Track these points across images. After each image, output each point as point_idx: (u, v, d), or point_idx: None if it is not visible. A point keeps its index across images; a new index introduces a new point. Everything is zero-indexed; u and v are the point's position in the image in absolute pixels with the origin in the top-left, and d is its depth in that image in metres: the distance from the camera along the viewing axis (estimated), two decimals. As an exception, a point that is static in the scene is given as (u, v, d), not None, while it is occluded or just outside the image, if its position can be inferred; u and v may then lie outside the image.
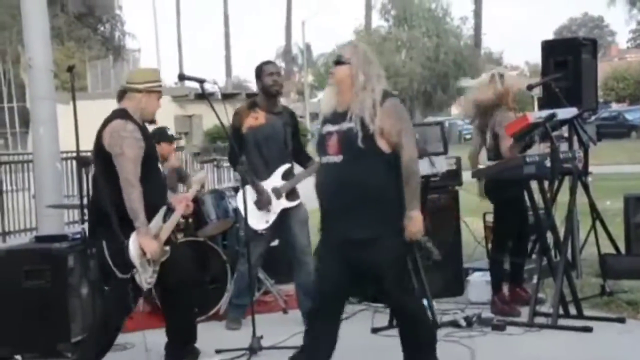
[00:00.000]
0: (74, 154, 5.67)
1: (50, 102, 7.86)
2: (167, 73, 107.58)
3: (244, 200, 6.11)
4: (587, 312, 6.43)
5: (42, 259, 5.96)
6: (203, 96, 5.93)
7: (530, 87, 7.69)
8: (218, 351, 5.82)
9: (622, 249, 7.71)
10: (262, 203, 6.44)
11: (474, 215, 8.41)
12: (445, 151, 6.78)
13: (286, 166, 6.58)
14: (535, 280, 6.49)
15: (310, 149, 6.71)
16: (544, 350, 5.82)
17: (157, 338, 5.76)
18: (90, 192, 5.49)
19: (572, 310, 6.37)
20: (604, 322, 6.26)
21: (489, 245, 8.38)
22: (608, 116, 39.75)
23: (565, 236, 6.61)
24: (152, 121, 5.45)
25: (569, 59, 7.75)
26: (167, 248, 5.19)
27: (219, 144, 20.67)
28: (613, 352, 5.73)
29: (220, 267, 6.99)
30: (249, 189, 6.39)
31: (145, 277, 5.08)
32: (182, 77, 6.73)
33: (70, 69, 6.03)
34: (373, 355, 5.79)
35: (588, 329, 6.04)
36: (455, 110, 61.23)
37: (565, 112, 6.72)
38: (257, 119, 6.59)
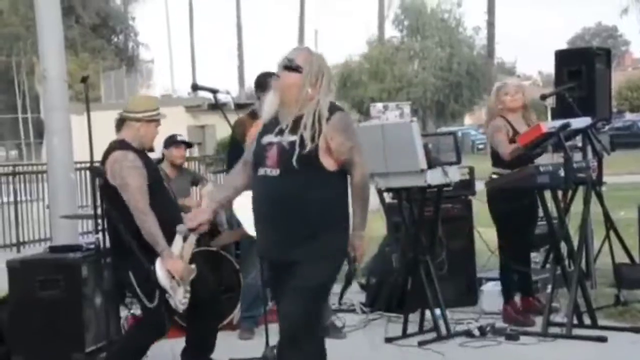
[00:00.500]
0: (88, 164, 5.68)
1: (64, 112, 7.89)
2: (180, 83, 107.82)
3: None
4: (601, 322, 6.41)
5: (56, 269, 5.98)
6: (216, 106, 5.93)
7: (543, 97, 7.70)
8: (231, 361, 5.82)
9: (637, 259, 7.69)
10: None
11: (488, 225, 8.36)
12: (459, 161, 6.78)
13: None
14: (549, 290, 6.47)
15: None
16: (558, 360, 5.81)
17: (174, 346, 5.76)
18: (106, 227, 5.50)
19: (587, 320, 6.34)
20: (618, 332, 6.23)
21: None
22: (622, 126, 39.58)
23: (579, 246, 6.60)
24: (151, 149, 5.47)
25: (583, 68, 7.75)
26: (194, 266, 5.20)
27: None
28: (628, 362, 5.71)
29: (234, 277, 6.99)
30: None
31: (179, 299, 5.07)
32: (195, 87, 6.75)
33: (84, 79, 6.06)
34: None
35: (602, 339, 6.02)
36: (468, 120, 61.13)
37: (579, 122, 6.70)
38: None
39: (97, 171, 5.58)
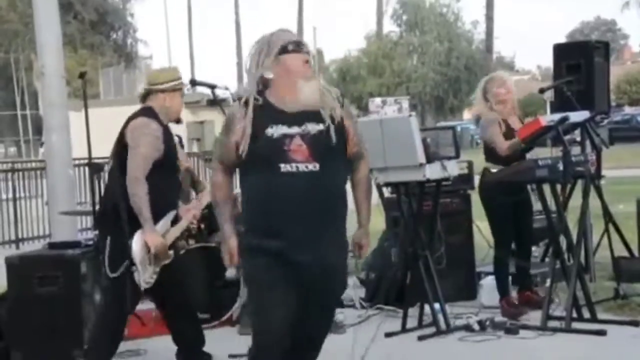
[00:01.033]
0: (87, 161, 5.68)
1: (63, 109, 7.89)
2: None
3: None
4: (600, 316, 6.41)
5: (55, 265, 5.97)
6: (215, 102, 5.93)
7: (542, 91, 7.71)
8: (231, 356, 5.82)
9: (636, 252, 7.69)
10: None
11: (486, 219, 8.38)
12: (457, 155, 6.77)
13: None
14: (548, 284, 6.47)
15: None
16: (557, 353, 5.80)
17: (169, 344, 5.76)
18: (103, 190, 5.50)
19: (586, 314, 6.34)
20: (617, 326, 6.23)
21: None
22: (621, 120, 39.53)
23: (578, 239, 6.59)
24: (178, 120, 5.45)
25: (581, 62, 7.74)
26: (171, 252, 5.20)
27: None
28: (627, 355, 5.71)
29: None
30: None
31: (145, 277, 5.08)
32: (193, 83, 6.73)
33: (82, 75, 6.04)
34: (386, 360, 5.78)
35: (602, 332, 6.02)
36: (467, 114, 61.13)
37: (578, 116, 6.70)
38: None
39: (95, 167, 5.59)
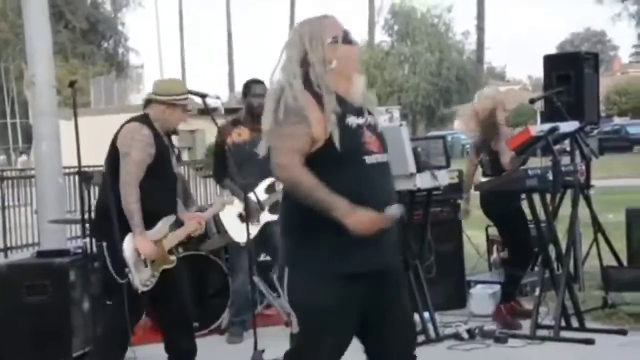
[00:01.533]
0: (76, 170, 5.66)
1: (53, 118, 7.88)
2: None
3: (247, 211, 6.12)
4: (589, 325, 6.42)
5: (44, 273, 5.96)
6: (206, 111, 5.93)
7: (532, 101, 7.74)
8: (220, 365, 5.81)
9: (624, 262, 7.70)
10: (252, 215, 6.44)
11: (477, 228, 8.41)
12: (448, 165, 6.79)
13: (269, 180, 6.59)
14: (537, 293, 6.48)
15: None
16: (546, 363, 5.82)
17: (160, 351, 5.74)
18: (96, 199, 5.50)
19: (574, 323, 6.36)
20: (606, 334, 6.25)
21: (491, 258, 8.41)
22: (610, 130, 39.71)
23: (567, 248, 6.62)
24: (174, 132, 5.46)
25: (571, 73, 7.77)
26: (173, 258, 5.20)
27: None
28: (616, 364, 5.73)
29: (222, 281, 6.98)
30: (234, 202, 6.50)
31: (141, 279, 5.06)
32: (184, 92, 6.75)
33: (72, 84, 6.01)
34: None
35: (590, 341, 6.03)
36: (458, 124, 61.27)
37: (568, 126, 6.74)
38: (240, 135, 6.75)
39: (85, 176, 5.57)
